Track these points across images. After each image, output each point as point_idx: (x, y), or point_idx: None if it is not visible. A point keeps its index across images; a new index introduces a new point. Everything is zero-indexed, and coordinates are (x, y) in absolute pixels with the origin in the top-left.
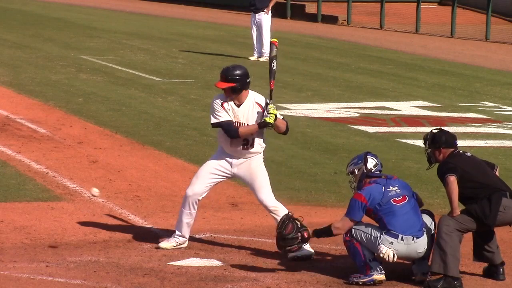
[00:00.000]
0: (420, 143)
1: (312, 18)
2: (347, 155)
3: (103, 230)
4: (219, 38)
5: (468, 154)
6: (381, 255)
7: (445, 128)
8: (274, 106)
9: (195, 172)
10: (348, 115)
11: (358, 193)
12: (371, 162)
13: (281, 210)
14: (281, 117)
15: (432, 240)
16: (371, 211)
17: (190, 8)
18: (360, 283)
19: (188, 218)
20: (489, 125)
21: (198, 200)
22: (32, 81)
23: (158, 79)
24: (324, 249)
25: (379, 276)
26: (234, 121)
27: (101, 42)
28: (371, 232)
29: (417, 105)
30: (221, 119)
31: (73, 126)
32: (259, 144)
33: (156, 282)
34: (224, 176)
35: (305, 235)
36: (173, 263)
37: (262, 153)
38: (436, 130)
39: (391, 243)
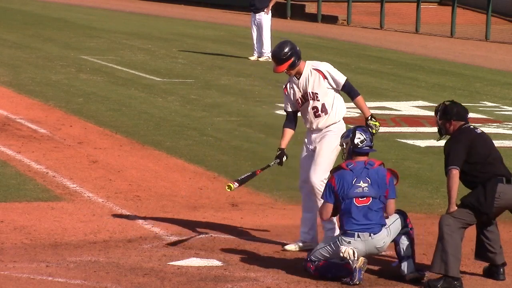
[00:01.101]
0: (420, 143)
1: (312, 18)
2: None
3: (103, 230)
4: (219, 38)
5: (478, 131)
6: (342, 255)
7: None
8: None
9: (196, 172)
10: (348, 115)
11: (332, 176)
12: (358, 138)
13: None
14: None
15: (394, 235)
16: (337, 197)
17: (190, 8)
18: (356, 282)
19: (309, 212)
20: (489, 125)
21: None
22: (32, 81)
23: (158, 79)
24: None
25: (358, 262)
26: (297, 98)
27: (101, 42)
28: (326, 242)
29: (417, 105)
30: (287, 110)
31: (73, 126)
32: (333, 111)
33: (156, 282)
34: (313, 155)
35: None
36: (173, 263)
37: (342, 128)
38: (449, 102)
39: (349, 242)
